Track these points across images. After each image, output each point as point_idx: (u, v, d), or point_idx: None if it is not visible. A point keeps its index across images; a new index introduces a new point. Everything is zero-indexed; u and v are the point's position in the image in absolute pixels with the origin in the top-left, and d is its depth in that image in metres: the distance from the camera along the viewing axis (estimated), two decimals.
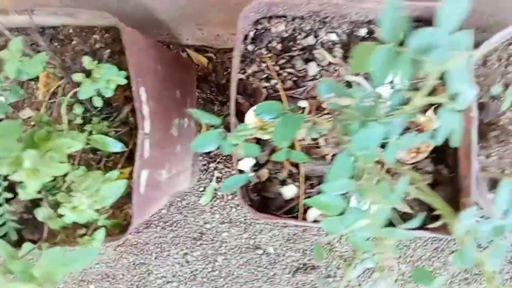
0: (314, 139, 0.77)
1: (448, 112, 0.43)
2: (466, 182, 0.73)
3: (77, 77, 0.66)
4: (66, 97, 0.68)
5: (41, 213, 0.75)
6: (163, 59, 0.92)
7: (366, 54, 0.37)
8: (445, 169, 0.79)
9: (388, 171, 0.79)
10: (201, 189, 1.28)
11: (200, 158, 1.27)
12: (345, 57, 0.83)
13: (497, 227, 0.45)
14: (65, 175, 0.65)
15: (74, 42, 0.83)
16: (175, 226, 1.28)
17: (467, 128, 0.73)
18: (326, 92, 0.48)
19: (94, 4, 1.05)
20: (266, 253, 1.28)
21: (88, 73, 0.71)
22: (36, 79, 0.82)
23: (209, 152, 1.28)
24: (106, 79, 0.65)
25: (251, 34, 0.84)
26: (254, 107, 0.79)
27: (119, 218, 0.79)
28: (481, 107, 0.83)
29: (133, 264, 1.30)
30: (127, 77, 0.72)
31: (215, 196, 1.28)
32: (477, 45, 1.24)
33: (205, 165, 1.28)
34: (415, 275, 0.50)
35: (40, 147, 0.64)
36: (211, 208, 1.29)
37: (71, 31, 0.83)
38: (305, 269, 1.28)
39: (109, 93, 0.69)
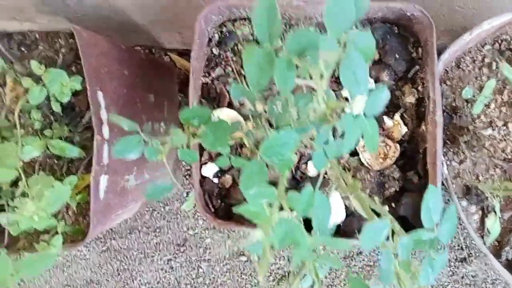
0: None
1: (349, 118, 0.40)
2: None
3: (26, 82, 0.66)
4: (20, 102, 0.68)
5: (3, 219, 0.75)
6: (133, 63, 0.91)
7: (249, 54, 0.35)
8: (414, 176, 0.76)
9: (353, 176, 0.76)
10: (184, 194, 1.27)
11: (184, 163, 1.26)
12: None
13: (430, 240, 0.42)
14: (16, 181, 0.65)
15: (40, 48, 0.83)
16: (159, 232, 1.28)
17: (432, 134, 0.70)
18: (237, 96, 0.46)
19: (69, 10, 1.06)
20: (250, 260, 1.26)
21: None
22: (3, 84, 0.83)
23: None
24: (59, 84, 0.65)
25: (216, 36, 0.82)
26: (216, 111, 0.78)
27: (82, 224, 0.79)
28: (454, 110, 0.80)
29: (117, 270, 1.30)
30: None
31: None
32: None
33: (188, 170, 1.27)
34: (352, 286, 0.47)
35: None
36: (194, 214, 1.27)
37: (37, 36, 0.84)
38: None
39: (64, 98, 0.69)
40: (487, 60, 0.81)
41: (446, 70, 0.82)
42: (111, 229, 1.27)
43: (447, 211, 0.43)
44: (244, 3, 0.75)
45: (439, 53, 1.22)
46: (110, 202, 0.78)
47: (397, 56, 0.75)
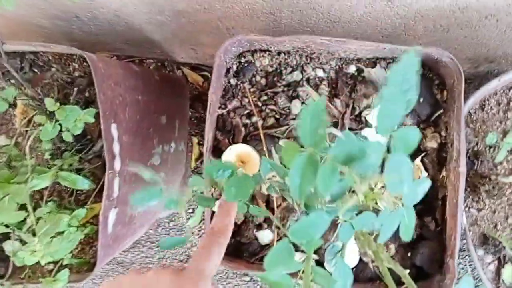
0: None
1: (387, 212, 0.38)
2: (451, 243, 0.68)
3: (39, 119, 0.64)
4: (33, 134, 0.66)
5: (9, 247, 0.74)
6: (147, 87, 0.89)
7: (290, 154, 0.33)
8: (432, 222, 0.74)
9: None
10: (190, 210, 1.26)
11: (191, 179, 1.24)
12: (331, 96, 0.78)
13: None
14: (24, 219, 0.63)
15: (53, 69, 0.81)
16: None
17: (454, 184, 0.68)
18: (266, 172, 0.44)
19: (84, 25, 1.03)
20: (253, 280, 1.25)
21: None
22: (14, 105, 0.81)
23: (200, 173, 1.25)
24: (72, 120, 0.63)
25: (234, 67, 0.80)
26: (232, 147, 0.76)
27: (88, 255, 0.77)
28: (476, 155, 0.78)
29: None
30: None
31: (204, 218, 1.25)
32: (485, 75, 1.18)
33: None
34: None
35: (2, 188, 0.62)
36: (200, 230, 1.26)
37: (50, 57, 0.81)
38: None
39: (77, 131, 0.67)
40: None
41: (469, 112, 0.79)
42: None
43: None
44: (266, 38, 0.72)
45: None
46: (118, 234, 0.76)
47: (421, 99, 0.72)
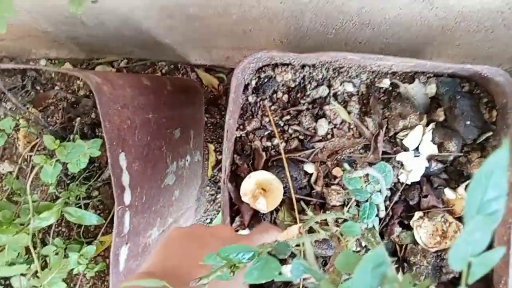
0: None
1: None
2: (501, 285, 0.61)
3: (37, 159, 0.58)
4: (35, 169, 0.60)
5: (17, 283, 0.69)
6: (159, 101, 0.82)
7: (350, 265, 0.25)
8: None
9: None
10: (208, 220, 1.20)
11: (208, 188, 1.18)
12: (362, 114, 0.70)
13: None
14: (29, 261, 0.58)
15: (56, 88, 0.74)
16: None
17: (505, 222, 0.60)
18: (299, 274, 0.37)
19: (91, 32, 0.96)
20: None
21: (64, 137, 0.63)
22: (17, 129, 0.75)
23: (217, 182, 1.19)
24: (75, 156, 0.57)
25: (253, 83, 0.72)
26: (252, 174, 0.69)
27: None
28: None
29: None
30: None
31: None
32: None
33: (212, 195, 1.19)
34: None
35: (3, 230, 0.57)
36: None
37: (53, 75, 0.75)
38: None
39: (82, 165, 0.61)
40: None
41: None
42: None
43: None
44: (289, 55, 0.64)
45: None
46: (131, 267, 0.71)
47: (468, 122, 0.63)
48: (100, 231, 0.70)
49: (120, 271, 0.67)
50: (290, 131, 0.71)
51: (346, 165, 0.54)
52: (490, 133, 0.64)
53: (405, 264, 0.66)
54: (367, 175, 0.59)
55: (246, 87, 0.72)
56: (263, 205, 0.67)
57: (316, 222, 0.58)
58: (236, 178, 0.70)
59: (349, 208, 0.62)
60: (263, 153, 0.69)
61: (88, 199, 0.71)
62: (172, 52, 1.09)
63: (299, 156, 0.70)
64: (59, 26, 0.96)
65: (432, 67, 0.62)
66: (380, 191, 0.55)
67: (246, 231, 0.69)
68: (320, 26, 0.86)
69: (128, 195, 0.66)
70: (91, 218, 0.63)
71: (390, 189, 0.68)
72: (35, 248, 0.63)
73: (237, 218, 0.69)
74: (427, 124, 0.67)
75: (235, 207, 0.71)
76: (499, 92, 0.62)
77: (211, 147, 1.17)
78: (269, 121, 0.71)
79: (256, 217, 0.70)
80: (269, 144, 0.71)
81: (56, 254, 0.63)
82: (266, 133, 0.71)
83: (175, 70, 1.17)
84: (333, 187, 0.68)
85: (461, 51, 0.96)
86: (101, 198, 0.70)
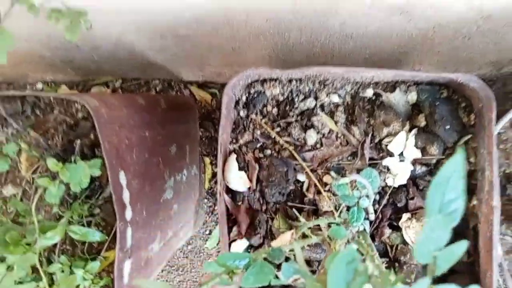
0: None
1: None
2: (487, 278, 0.64)
3: (42, 181, 0.61)
4: (38, 192, 0.63)
5: None
6: (154, 119, 0.85)
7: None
8: (464, 254, 0.69)
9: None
10: (207, 232, 1.23)
11: (205, 200, 1.21)
12: (348, 123, 0.74)
13: None
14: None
15: (55, 111, 0.78)
16: (182, 271, 1.24)
17: (487, 218, 0.63)
18: (289, 275, 0.40)
19: (86, 56, 0.99)
20: None
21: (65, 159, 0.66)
22: (19, 152, 0.78)
23: (214, 194, 1.22)
24: (77, 177, 0.60)
25: (244, 98, 0.76)
26: None
27: None
28: (508, 179, 0.73)
29: None
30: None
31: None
32: (509, 76, 1.11)
33: (210, 207, 1.22)
34: None
35: (11, 251, 0.60)
36: (218, 251, 1.23)
37: (52, 99, 0.78)
38: None
39: (84, 184, 0.64)
40: None
41: (499, 132, 0.74)
42: None
43: None
44: (276, 71, 0.67)
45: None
46: (135, 280, 0.73)
47: (447, 127, 0.67)
48: (103, 247, 0.73)
49: (124, 284, 0.69)
50: (281, 142, 0.74)
51: (332, 173, 0.58)
52: (469, 136, 0.68)
53: (396, 264, 0.69)
54: (355, 181, 0.63)
55: (237, 102, 0.75)
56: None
57: (309, 228, 0.61)
58: (232, 190, 0.73)
59: (340, 213, 0.65)
60: (256, 165, 0.73)
61: (91, 217, 0.73)
62: (165, 71, 1.13)
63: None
64: (55, 51, 0.99)
65: (411, 76, 0.66)
66: (367, 195, 0.59)
67: (243, 241, 0.72)
68: (306, 41, 0.90)
69: (129, 211, 0.68)
70: (94, 235, 0.66)
71: (379, 193, 0.72)
72: (42, 266, 0.65)
73: (234, 228, 0.72)
74: (410, 130, 0.70)
75: (232, 218, 0.74)
76: (475, 97, 0.66)
77: (207, 160, 1.20)
78: (261, 133, 0.75)
79: (253, 226, 0.73)
80: (261, 155, 0.74)
81: (62, 271, 0.65)
82: (258, 145, 0.75)
83: (169, 88, 1.20)
84: (324, 193, 0.71)
85: (442, 58, 1.00)
86: (103, 216, 0.73)
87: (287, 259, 0.64)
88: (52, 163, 0.60)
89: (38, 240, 0.61)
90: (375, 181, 0.60)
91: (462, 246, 0.29)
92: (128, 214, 0.68)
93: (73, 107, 0.77)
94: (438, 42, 0.90)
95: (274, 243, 0.61)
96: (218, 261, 0.41)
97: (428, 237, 0.27)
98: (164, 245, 0.88)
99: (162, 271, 1.24)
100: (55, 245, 0.74)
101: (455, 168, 0.27)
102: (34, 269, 0.64)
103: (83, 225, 0.71)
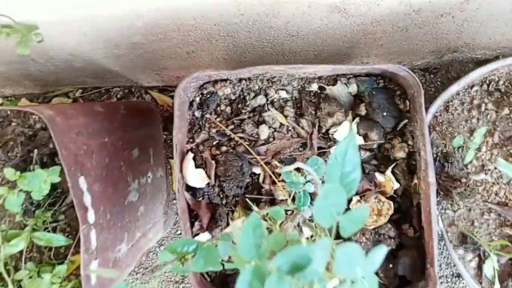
0: None
1: None
2: (430, 250, 0.70)
3: (0, 191, 0.63)
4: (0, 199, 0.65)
5: None
6: (113, 125, 0.88)
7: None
8: (410, 229, 0.75)
9: None
10: (179, 232, 1.26)
11: (174, 201, 1.24)
12: (297, 116, 0.79)
13: None
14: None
15: (13, 124, 0.79)
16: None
17: (425, 193, 0.69)
18: (224, 253, 0.44)
19: (42, 68, 1.01)
20: None
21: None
22: None
23: None
24: (37, 185, 0.62)
25: (197, 99, 0.79)
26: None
27: None
28: (445, 158, 0.79)
29: None
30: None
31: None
32: (450, 63, 1.19)
33: None
34: None
35: None
36: None
37: (9, 112, 0.79)
38: None
39: (44, 192, 0.66)
40: (475, 102, 0.80)
41: (435, 115, 0.80)
42: None
43: None
44: (223, 72, 0.72)
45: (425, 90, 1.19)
46: (103, 282, 0.76)
47: (385, 113, 0.73)
48: (69, 251, 0.75)
49: (92, 285, 0.72)
50: (236, 139, 0.78)
51: (276, 163, 0.62)
52: (406, 121, 0.74)
53: None
54: (302, 169, 0.67)
55: (191, 103, 0.79)
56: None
57: (264, 216, 0.65)
58: (192, 187, 0.77)
59: (292, 200, 0.70)
60: (213, 162, 0.77)
61: (56, 223, 0.76)
62: (125, 78, 1.15)
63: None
64: (10, 65, 1.00)
65: (348, 69, 0.71)
66: (312, 181, 0.63)
67: (206, 234, 0.76)
68: (256, 41, 0.95)
69: (92, 214, 0.71)
70: (58, 240, 0.68)
71: None
72: (9, 275, 0.67)
73: (196, 223, 0.76)
74: (353, 119, 0.76)
75: (194, 213, 0.77)
76: (407, 85, 0.72)
77: (173, 162, 1.23)
78: (217, 131, 0.79)
79: (214, 219, 0.77)
80: (218, 152, 0.78)
81: (30, 277, 0.67)
82: (214, 143, 0.79)
83: (129, 94, 1.23)
84: (278, 183, 0.76)
85: (386, 50, 1.07)
86: (67, 221, 0.76)
87: None
88: (9, 173, 0.62)
89: (2, 248, 0.63)
90: (321, 168, 0.65)
91: (363, 211, 0.34)
92: (91, 217, 0.71)
93: (31, 118, 0.79)
94: (379, 36, 0.96)
95: (226, 230, 0.65)
96: (168, 248, 0.45)
97: (323, 203, 0.32)
98: (133, 246, 0.91)
99: (137, 273, 1.26)
100: (21, 253, 0.76)
101: (349, 143, 0.31)
102: (1, 278, 0.66)
103: (48, 231, 0.73)
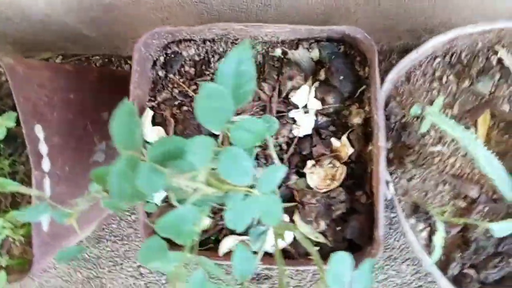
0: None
1: (237, 200, 0.39)
2: (376, 213, 0.70)
3: None
4: None
5: None
6: (83, 86, 0.89)
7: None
8: (363, 196, 0.76)
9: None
10: None
11: None
12: (260, 80, 0.79)
13: None
14: None
15: None
16: (127, 240, 1.28)
17: (377, 157, 0.70)
18: (110, 208, 0.45)
19: (18, 27, 1.02)
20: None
21: None
22: None
23: None
24: None
25: (161, 59, 0.80)
26: None
27: (30, 255, 0.78)
28: (404, 127, 0.80)
29: (87, 278, 1.30)
30: None
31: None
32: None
33: None
34: None
35: None
36: None
37: None
38: (258, 280, 1.27)
39: (1, 136, 0.67)
40: (437, 74, 0.80)
41: (396, 85, 0.80)
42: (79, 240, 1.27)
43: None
44: (182, 28, 0.72)
45: (391, 64, 1.20)
46: (57, 232, 0.77)
47: (342, 77, 0.73)
48: (25, 200, 0.77)
49: (43, 232, 0.73)
50: None
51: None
52: (364, 87, 0.74)
53: (300, 206, 0.75)
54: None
55: (155, 62, 0.80)
56: None
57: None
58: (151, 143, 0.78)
59: None
60: (172, 120, 0.77)
61: (16, 174, 0.77)
62: (103, 46, 1.16)
63: None
64: None
65: (307, 31, 0.72)
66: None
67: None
68: (229, 9, 0.95)
69: (47, 163, 0.72)
70: (13, 185, 0.70)
71: (286, 143, 0.77)
72: None
73: None
74: (313, 84, 0.76)
75: None
76: (366, 50, 0.72)
77: None
78: (179, 91, 0.80)
79: None
80: (178, 111, 0.79)
81: None
82: (176, 102, 0.80)
83: (109, 63, 1.24)
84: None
85: (361, 26, 1.07)
86: (25, 171, 0.77)
87: None
88: None
89: None
90: (273, 126, 0.66)
91: (255, 122, 0.34)
92: (46, 165, 0.72)
93: None
94: (354, 10, 0.97)
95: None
96: (93, 176, 0.46)
97: (210, 105, 0.32)
98: (95, 205, 0.92)
99: (107, 241, 1.27)
100: None
101: (243, 53, 0.32)
102: None
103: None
